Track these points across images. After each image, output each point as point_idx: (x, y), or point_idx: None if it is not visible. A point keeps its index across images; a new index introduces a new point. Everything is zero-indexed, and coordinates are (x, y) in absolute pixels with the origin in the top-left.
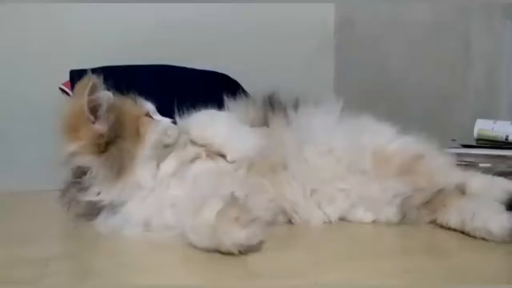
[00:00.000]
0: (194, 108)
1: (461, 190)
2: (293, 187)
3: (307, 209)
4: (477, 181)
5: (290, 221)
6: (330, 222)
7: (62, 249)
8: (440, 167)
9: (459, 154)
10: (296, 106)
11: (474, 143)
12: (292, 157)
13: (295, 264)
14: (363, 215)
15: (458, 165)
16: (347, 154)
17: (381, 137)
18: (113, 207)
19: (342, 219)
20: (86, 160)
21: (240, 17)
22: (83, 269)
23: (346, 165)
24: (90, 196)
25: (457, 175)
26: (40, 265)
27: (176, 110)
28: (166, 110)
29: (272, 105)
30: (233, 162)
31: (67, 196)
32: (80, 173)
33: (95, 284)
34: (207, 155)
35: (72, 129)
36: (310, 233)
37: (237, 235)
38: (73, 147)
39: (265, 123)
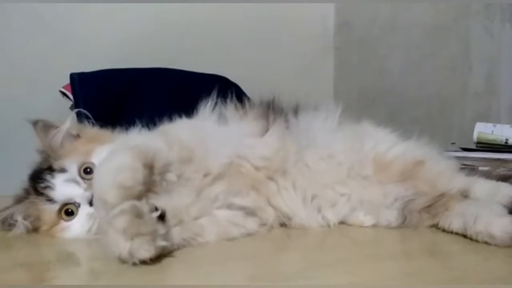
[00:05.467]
0: (192, 111)
1: (464, 196)
2: (290, 195)
3: (306, 216)
4: (481, 187)
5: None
6: (329, 226)
7: (62, 253)
8: (442, 173)
9: (458, 158)
10: (296, 112)
11: (473, 146)
12: (292, 163)
13: (294, 267)
14: (364, 218)
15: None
16: (348, 160)
17: (381, 143)
18: None
19: (342, 222)
20: None
21: (240, 20)
22: (83, 273)
23: (347, 170)
24: None
25: (460, 181)
26: (40, 269)
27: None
28: (164, 113)
29: (273, 110)
30: None
31: None
32: None
33: (96, 287)
34: None
35: None
36: (310, 236)
37: (121, 246)
38: None
39: (265, 128)
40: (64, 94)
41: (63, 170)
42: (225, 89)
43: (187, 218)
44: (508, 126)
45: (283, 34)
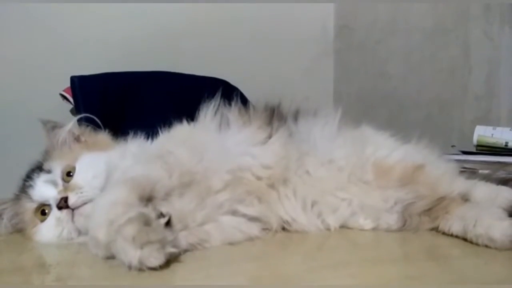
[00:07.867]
0: (193, 114)
1: (465, 199)
2: (291, 202)
3: (307, 222)
4: (481, 191)
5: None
6: (329, 230)
7: (63, 256)
8: (442, 176)
9: (458, 161)
10: (296, 117)
11: (473, 150)
12: (293, 171)
13: (295, 269)
14: (364, 222)
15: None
16: (348, 165)
17: (381, 148)
18: None
19: (342, 226)
20: None
21: (240, 23)
22: (84, 276)
23: (347, 175)
24: None
25: (461, 185)
26: (41, 272)
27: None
28: (165, 116)
29: (277, 116)
30: None
31: None
32: None
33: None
34: None
35: None
36: (311, 239)
37: (131, 254)
38: None
39: (269, 135)
40: (64, 97)
41: (49, 171)
42: (226, 93)
43: (192, 224)
44: (508, 129)
45: (283, 37)
